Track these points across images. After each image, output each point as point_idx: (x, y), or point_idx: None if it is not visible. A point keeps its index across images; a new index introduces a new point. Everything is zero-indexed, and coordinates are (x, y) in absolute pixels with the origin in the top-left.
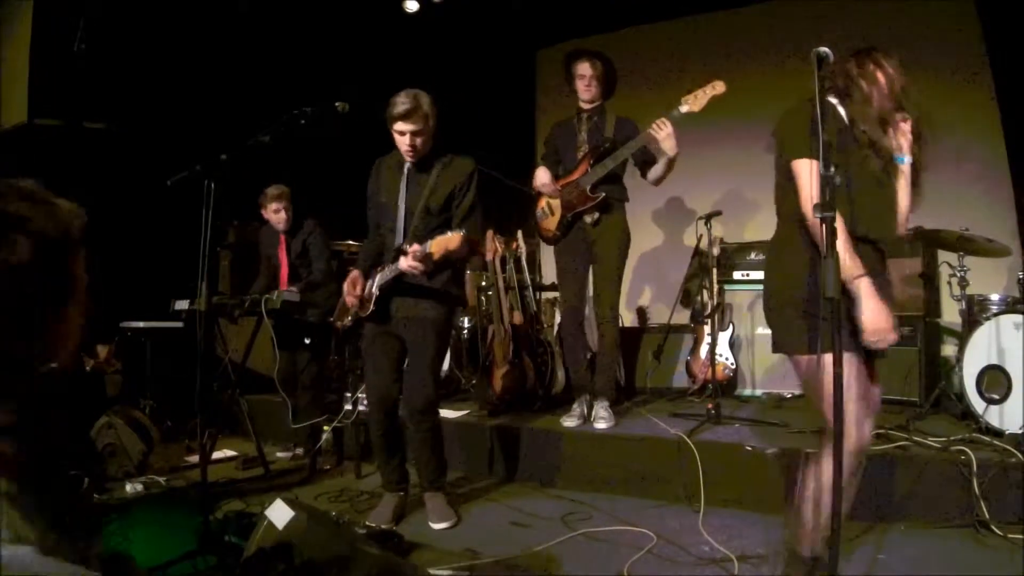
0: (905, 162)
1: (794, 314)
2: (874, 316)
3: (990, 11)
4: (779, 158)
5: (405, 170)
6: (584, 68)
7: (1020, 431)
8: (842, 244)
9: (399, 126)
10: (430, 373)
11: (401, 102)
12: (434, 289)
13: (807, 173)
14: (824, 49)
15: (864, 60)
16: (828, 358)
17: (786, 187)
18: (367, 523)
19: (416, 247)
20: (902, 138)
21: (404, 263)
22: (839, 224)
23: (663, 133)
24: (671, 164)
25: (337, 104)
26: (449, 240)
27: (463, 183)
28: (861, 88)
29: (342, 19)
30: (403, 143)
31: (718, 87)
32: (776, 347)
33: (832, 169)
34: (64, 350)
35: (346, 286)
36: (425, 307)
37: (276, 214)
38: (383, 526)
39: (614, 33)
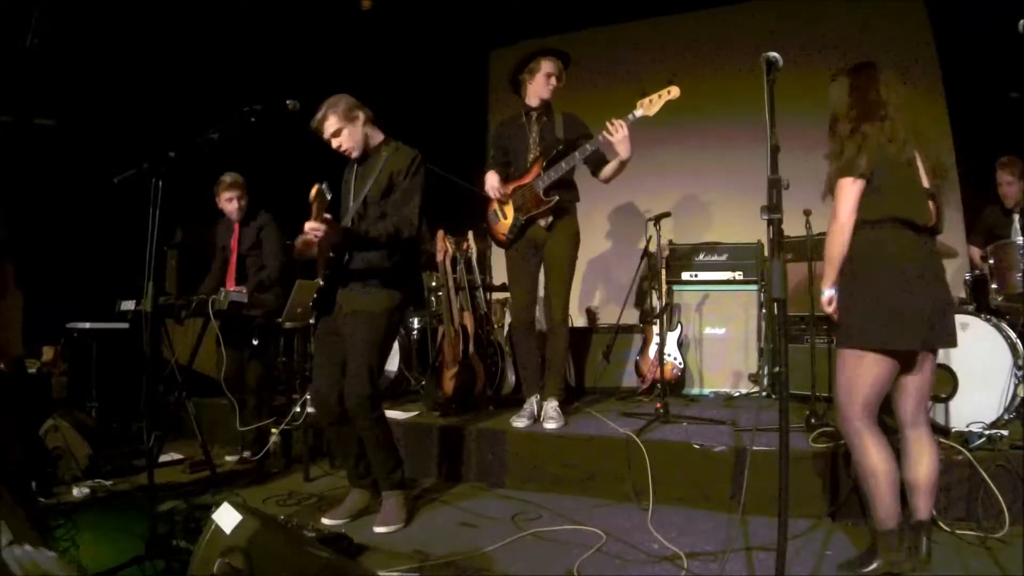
0: None
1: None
2: None
3: (941, 17)
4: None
5: (355, 167)
6: (551, 66)
7: (966, 429)
8: None
9: (324, 136)
10: (365, 370)
11: (315, 116)
12: (373, 281)
13: None
14: (773, 54)
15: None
16: None
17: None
18: (323, 519)
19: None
20: None
21: (306, 225)
22: None
23: (619, 136)
24: (624, 165)
25: (288, 102)
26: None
27: (403, 170)
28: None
29: (295, 16)
30: (334, 147)
31: (673, 92)
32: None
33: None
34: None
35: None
36: (362, 301)
37: (229, 203)
38: (338, 520)
39: (568, 35)
